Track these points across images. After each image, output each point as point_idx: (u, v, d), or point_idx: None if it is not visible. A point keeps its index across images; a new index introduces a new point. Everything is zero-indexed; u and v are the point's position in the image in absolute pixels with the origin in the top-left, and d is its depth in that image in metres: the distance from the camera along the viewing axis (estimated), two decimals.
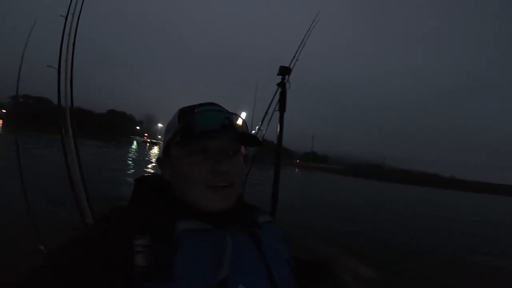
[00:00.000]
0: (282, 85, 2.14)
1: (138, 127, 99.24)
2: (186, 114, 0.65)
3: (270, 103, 2.29)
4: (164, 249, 0.50)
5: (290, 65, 2.30)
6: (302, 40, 2.48)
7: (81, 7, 1.77)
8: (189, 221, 0.57)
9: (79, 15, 1.79)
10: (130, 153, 24.61)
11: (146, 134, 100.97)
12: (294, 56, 2.41)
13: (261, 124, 2.35)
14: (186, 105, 0.70)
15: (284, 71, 2.16)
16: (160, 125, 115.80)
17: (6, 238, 3.28)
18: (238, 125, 0.66)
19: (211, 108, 0.66)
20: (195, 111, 0.65)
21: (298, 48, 2.44)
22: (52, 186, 6.50)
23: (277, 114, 2.20)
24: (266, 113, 2.32)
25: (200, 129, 0.61)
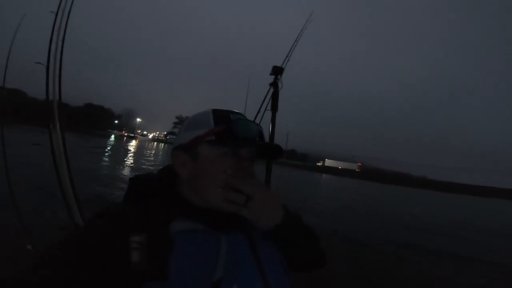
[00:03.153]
0: (274, 85, 2.18)
1: (116, 121, 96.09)
2: (223, 117, 0.67)
3: (262, 103, 2.30)
4: (160, 248, 0.51)
5: (282, 65, 2.32)
6: (295, 40, 2.50)
7: (72, 4, 1.72)
8: (185, 222, 0.58)
9: (69, 12, 1.73)
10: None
11: (124, 129, 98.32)
12: (286, 56, 2.43)
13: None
14: (217, 108, 0.71)
15: (277, 71, 2.19)
16: (138, 119, 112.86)
17: None
18: (265, 138, 0.72)
19: (244, 117, 0.70)
20: (231, 117, 0.67)
21: (291, 48, 2.46)
22: (38, 182, 6.26)
23: (268, 113, 2.23)
24: (258, 112, 2.34)
25: (241, 135, 0.64)
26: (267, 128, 2.21)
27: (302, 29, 2.58)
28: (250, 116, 2.23)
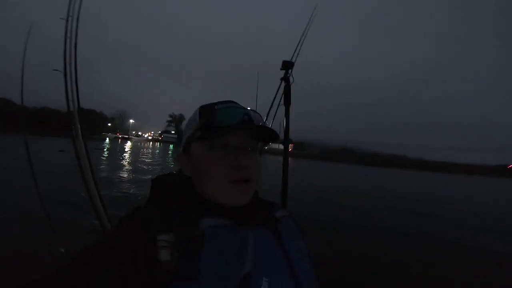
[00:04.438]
0: (286, 79, 2.16)
1: (109, 124, 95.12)
2: (207, 110, 0.66)
3: (274, 98, 2.28)
4: (188, 246, 0.51)
5: (292, 59, 2.30)
6: (303, 34, 2.48)
7: (79, 9, 1.68)
8: (211, 218, 0.58)
9: (78, 17, 1.70)
10: None
11: (118, 131, 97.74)
12: (295, 50, 2.40)
13: (266, 119, 2.34)
14: (206, 103, 0.70)
15: (287, 65, 2.18)
16: (131, 120, 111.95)
17: (28, 243, 3.22)
18: (257, 122, 0.67)
19: (231, 105, 0.67)
20: (216, 107, 0.66)
21: (299, 42, 2.44)
22: (61, 189, 6.40)
23: (280, 108, 2.22)
24: (271, 107, 2.32)
25: (221, 124, 0.62)
26: (279, 123, 2.21)
27: (308, 23, 2.54)
28: (263, 111, 2.24)
